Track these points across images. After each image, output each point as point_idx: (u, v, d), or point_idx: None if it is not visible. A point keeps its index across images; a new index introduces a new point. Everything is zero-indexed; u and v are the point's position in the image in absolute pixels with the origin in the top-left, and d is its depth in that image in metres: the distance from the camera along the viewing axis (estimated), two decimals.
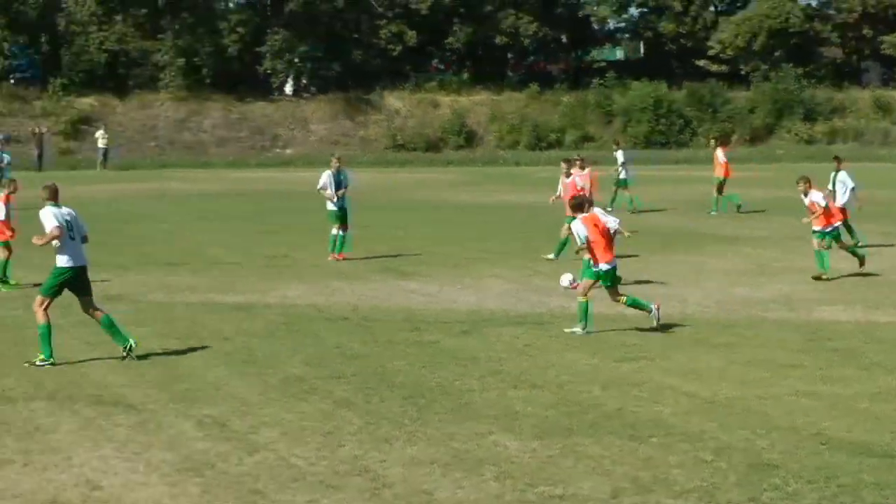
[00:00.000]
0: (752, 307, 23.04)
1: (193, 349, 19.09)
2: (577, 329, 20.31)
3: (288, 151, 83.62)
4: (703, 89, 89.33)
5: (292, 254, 31.12)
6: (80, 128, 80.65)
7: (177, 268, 28.54)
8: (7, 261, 26.01)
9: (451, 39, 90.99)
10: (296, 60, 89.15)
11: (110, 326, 18.37)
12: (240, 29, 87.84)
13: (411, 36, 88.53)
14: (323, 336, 20.17)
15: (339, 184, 30.66)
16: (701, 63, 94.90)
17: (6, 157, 46.86)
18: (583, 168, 31.72)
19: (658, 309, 20.66)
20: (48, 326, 18.05)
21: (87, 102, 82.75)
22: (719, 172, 43.34)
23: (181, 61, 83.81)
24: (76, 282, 18.37)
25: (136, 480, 12.46)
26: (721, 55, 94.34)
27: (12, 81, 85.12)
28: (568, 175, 30.86)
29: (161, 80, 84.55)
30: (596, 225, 20.51)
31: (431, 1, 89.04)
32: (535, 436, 14.02)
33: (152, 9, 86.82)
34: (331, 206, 30.64)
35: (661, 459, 13.11)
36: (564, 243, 27.84)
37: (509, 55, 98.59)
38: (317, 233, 35.07)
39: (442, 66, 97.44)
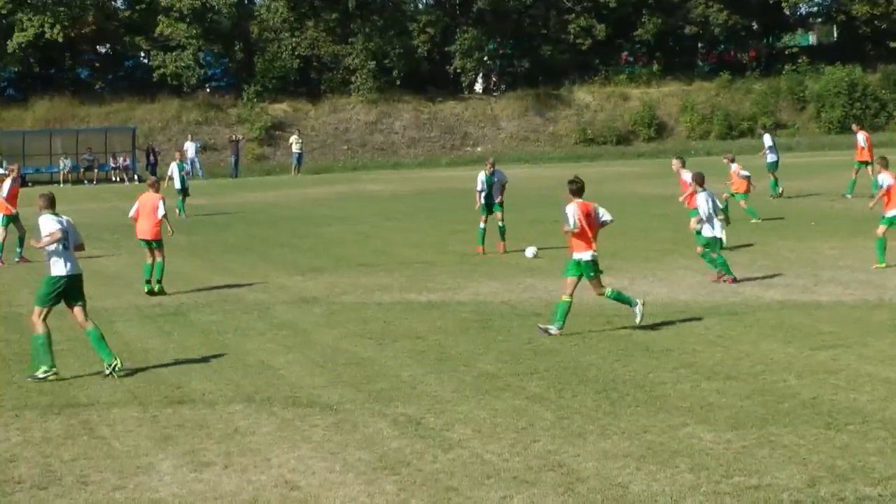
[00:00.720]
0: None
1: (388, 348, 19.29)
2: (552, 328, 19.68)
3: (478, 149, 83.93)
4: None
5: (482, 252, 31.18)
6: (273, 133, 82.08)
7: (370, 268, 28.85)
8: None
9: (640, 31, 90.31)
10: (485, 58, 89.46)
11: (98, 340, 18.17)
12: (429, 29, 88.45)
13: (600, 29, 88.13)
14: (515, 332, 20.21)
15: (490, 185, 31.43)
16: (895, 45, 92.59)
17: (187, 166, 47.69)
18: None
19: (642, 305, 19.95)
20: (47, 336, 18.01)
21: (280, 108, 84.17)
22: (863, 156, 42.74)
23: (372, 64, 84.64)
24: (71, 290, 18.47)
25: (333, 480, 12.63)
26: None
27: (208, 90, 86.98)
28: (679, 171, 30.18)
29: (352, 84, 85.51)
30: (588, 214, 19.87)
31: None
32: (730, 426, 13.88)
33: (343, 13, 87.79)
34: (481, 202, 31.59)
35: (859, 447, 12.87)
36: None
37: (699, 45, 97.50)
38: (508, 230, 35.14)
39: (631, 59, 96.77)
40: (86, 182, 71.42)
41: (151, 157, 73.33)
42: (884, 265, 25.62)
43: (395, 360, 18.43)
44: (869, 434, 13.31)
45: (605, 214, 20.27)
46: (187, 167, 47.66)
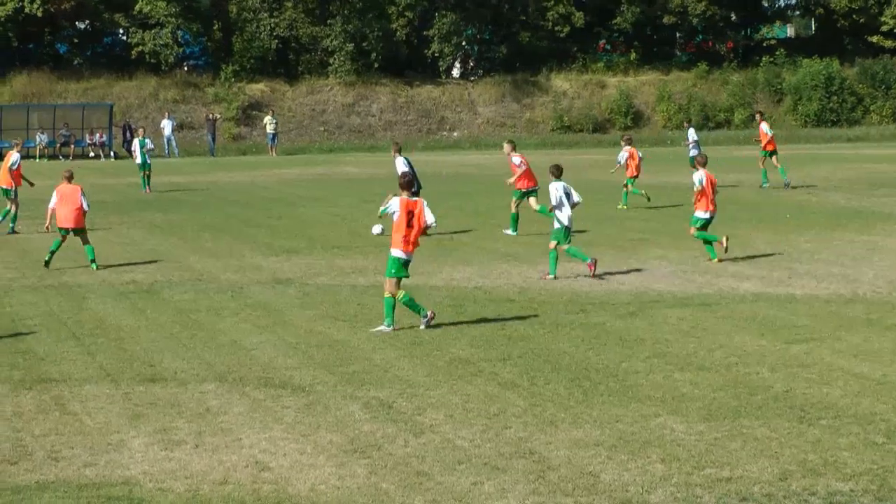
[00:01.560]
0: None
1: (361, 331, 19.27)
2: (382, 327, 19.40)
3: (455, 134, 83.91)
4: (877, 66, 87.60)
5: (458, 236, 31.19)
6: (250, 113, 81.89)
7: (345, 250, 28.82)
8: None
9: (618, 20, 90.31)
10: (463, 43, 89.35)
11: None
12: (407, 13, 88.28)
13: (579, 17, 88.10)
14: (489, 318, 20.22)
15: None
16: (874, 39, 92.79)
17: (149, 143, 48.02)
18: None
19: (431, 318, 19.45)
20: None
21: (257, 88, 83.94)
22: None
23: (350, 46, 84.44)
24: None
25: (304, 462, 12.63)
26: (895, 30, 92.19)
27: (185, 69, 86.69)
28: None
29: (330, 66, 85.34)
30: (411, 211, 19.43)
31: None
32: (702, 418, 13.91)
33: None
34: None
35: (831, 442, 12.92)
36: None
37: (677, 34, 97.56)
38: (482, 216, 35.23)
39: (609, 47, 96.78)
40: (61, 157, 71.12)
41: (128, 134, 73.03)
42: (716, 258, 26.09)
43: (367, 343, 18.43)
44: (841, 429, 13.35)
45: (429, 215, 19.69)
46: (149, 144, 47.83)
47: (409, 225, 19.40)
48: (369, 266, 26.18)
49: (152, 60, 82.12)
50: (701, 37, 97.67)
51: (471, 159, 64.91)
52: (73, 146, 72.30)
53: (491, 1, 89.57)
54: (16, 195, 33.68)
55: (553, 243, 24.26)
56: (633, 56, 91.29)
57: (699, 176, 26.75)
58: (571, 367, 16.57)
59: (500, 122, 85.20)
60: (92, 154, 72.44)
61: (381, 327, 19.36)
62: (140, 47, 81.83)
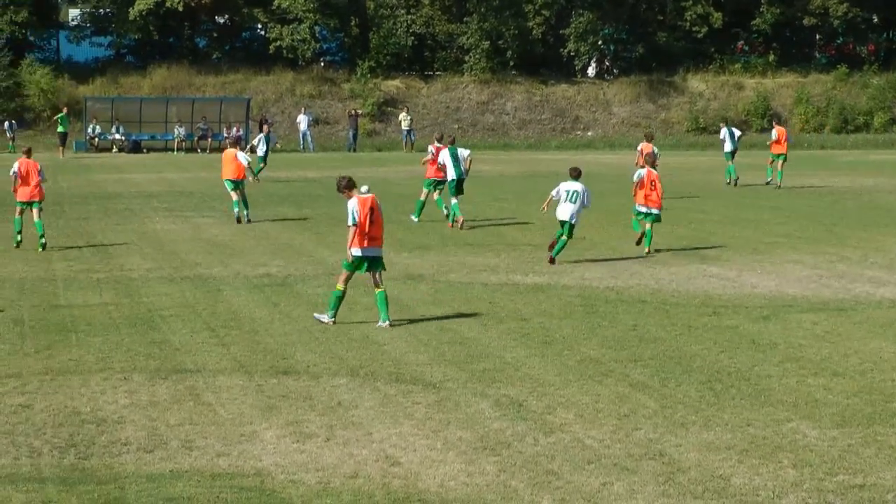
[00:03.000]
0: None
1: (492, 329, 19.30)
2: (324, 317, 19.61)
3: (589, 134, 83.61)
4: None
5: (590, 235, 31.07)
6: (385, 109, 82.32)
7: (477, 248, 28.86)
8: None
9: (757, 21, 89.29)
10: (599, 42, 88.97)
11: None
12: (544, 11, 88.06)
13: (717, 17, 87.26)
14: (620, 318, 20.14)
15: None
16: None
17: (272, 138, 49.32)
18: None
19: (327, 322, 19.55)
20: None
21: (393, 85, 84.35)
22: None
23: (486, 44, 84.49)
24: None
25: (434, 458, 12.68)
26: None
27: (322, 64, 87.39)
28: None
29: (465, 63, 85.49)
30: (373, 209, 20.01)
31: None
32: (835, 424, 13.73)
33: None
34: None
35: None
36: None
37: (817, 36, 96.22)
38: (616, 215, 35.04)
39: (747, 48, 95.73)
40: (199, 151, 72.14)
41: (265, 129, 73.89)
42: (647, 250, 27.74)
43: (498, 340, 18.45)
44: None
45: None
46: (273, 142, 49.26)
47: (367, 220, 19.82)
48: (501, 264, 26.21)
49: (289, 55, 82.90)
50: (841, 39, 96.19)
51: (604, 159, 64.60)
52: (210, 139, 73.25)
53: (628, 1, 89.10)
54: None
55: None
56: (771, 58, 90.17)
57: (638, 172, 29.00)
58: (703, 369, 16.45)
59: (635, 123, 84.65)
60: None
61: (323, 316, 19.74)
62: (278, 42, 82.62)
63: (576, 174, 27.27)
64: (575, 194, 26.77)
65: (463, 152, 34.82)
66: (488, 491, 11.66)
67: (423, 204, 34.59)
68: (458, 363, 16.88)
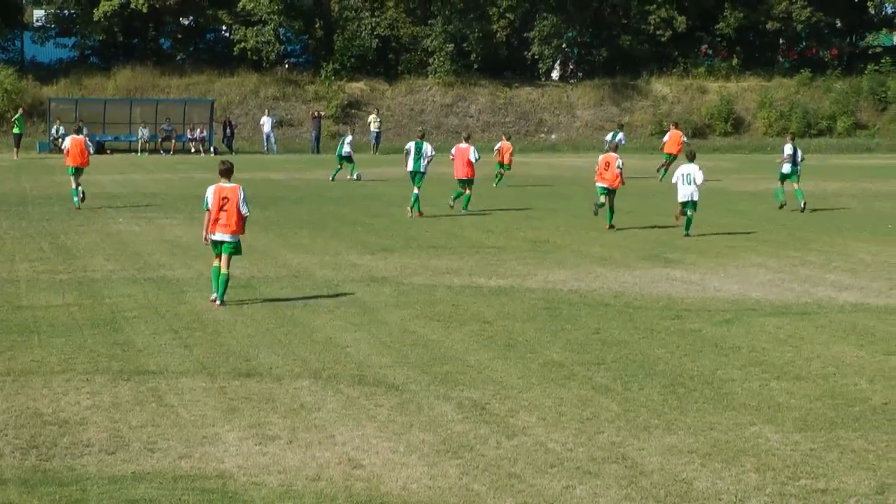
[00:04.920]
0: None
1: (455, 332, 19.29)
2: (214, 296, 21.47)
3: (553, 136, 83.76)
4: None
5: (555, 239, 31.14)
6: (349, 112, 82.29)
7: (440, 251, 28.85)
8: None
9: (721, 25, 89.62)
10: (563, 45, 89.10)
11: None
12: (508, 14, 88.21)
13: (681, 21, 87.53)
14: (584, 321, 20.16)
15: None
16: None
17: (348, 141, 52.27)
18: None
19: (214, 301, 21.31)
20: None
21: (357, 87, 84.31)
22: None
23: (450, 46, 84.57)
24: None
25: (397, 460, 12.66)
26: None
27: (286, 66, 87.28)
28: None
29: (430, 66, 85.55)
30: (225, 197, 21.28)
31: None
32: (798, 428, 13.78)
33: None
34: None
35: None
36: None
37: (781, 41, 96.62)
38: (581, 218, 35.14)
39: (711, 52, 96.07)
40: (163, 152, 71.95)
41: (228, 130, 73.80)
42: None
43: (462, 343, 18.44)
44: None
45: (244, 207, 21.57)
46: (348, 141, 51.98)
47: (223, 209, 21.24)
48: (464, 267, 26.20)
49: (254, 57, 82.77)
50: (805, 43, 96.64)
51: (568, 162, 64.73)
52: (174, 141, 73.08)
53: (592, 4, 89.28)
54: None
55: None
56: (734, 61, 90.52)
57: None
58: (666, 373, 16.48)
59: (599, 126, 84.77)
60: (193, 149, 73.12)
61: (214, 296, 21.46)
62: (242, 44, 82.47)
63: (691, 157, 32.75)
64: (689, 176, 31.47)
65: (427, 149, 37.40)
66: (451, 494, 11.65)
67: (469, 197, 37.85)
68: (421, 366, 16.87)
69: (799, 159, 39.86)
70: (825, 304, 21.91)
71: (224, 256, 21.25)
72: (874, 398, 15.09)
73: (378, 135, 74.76)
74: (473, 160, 37.48)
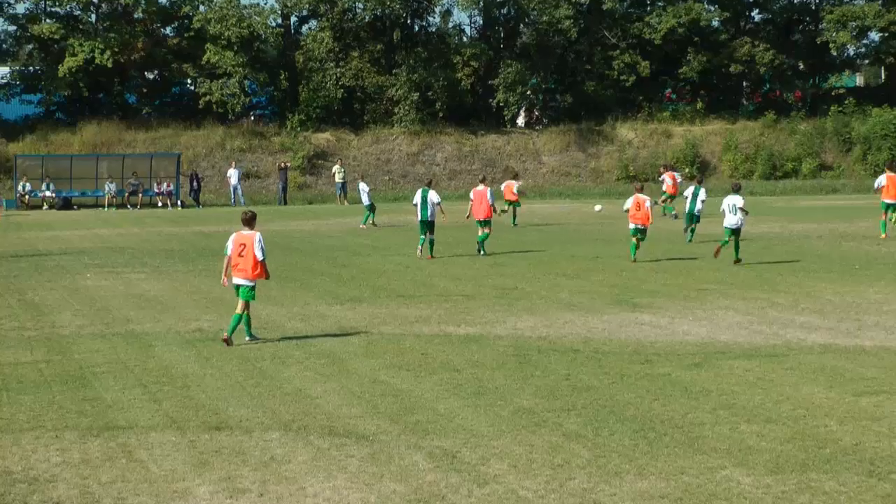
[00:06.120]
0: None
1: (425, 381, 19.26)
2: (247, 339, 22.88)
3: (520, 183, 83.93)
4: None
5: (523, 285, 31.17)
6: (316, 162, 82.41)
7: (409, 300, 28.85)
8: None
9: (684, 69, 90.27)
10: (528, 92, 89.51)
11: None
12: (473, 62, 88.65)
13: (644, 66, 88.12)
14: (553, 368, 20.15)
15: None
16: None
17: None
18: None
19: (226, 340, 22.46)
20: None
21: (323, 137, 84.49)
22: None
23: (415, 95, 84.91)
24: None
25: None
26: None
27: (252, 118, 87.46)
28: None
29: (395, 115, 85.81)
30: (242, 244, 22.51)
31: (665, 30, 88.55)
32: (769, 471, 13.77)
33: (387, 44, 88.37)
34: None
35: None
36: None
37: (744, 83, 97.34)
38: (547, 265, 35.22)
39: (675, 96, 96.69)
40: (130, 207, 71.88)
41: (195, 184, 73.78)
42: None
43: (431, 392, 18.41)
44: None
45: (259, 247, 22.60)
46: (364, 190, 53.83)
47: (241, 255, 22.52)
48: (433, 315, 26.20)
49: (219, 110, 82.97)
50: (768, 86, 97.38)
51: (535, 208, 64.88)
52: (141, 195, 73.03)
53: (556, 50, 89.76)
54: None
55: None
56: (699, 105, 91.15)
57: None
58: (636, 418, 16.48)
59: (565, 172, 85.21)
60: (160, 203, 73.11)
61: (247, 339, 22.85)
62: (207, 97, 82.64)
63: (736, 188, 36.81)
64: (734, 206, 35.36)
65: (433, 197, 39.18)
66: None
67: (487, 235, 40.11)
68: (391, 415, 16.83)
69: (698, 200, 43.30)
70: (794, 345, 21.96)
71: (241, 302, 22.68)
72: (845, 439, 15.11)
73: (344, 185, 74.83)
74: (491, 202, 40.20)
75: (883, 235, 43.17)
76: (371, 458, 14.66)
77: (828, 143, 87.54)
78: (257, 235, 22.60)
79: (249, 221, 22.75)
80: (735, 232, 35.56)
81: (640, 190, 37.94)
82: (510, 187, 55.22)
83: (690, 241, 42.79)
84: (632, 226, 36.84)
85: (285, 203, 73.52)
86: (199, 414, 17.02)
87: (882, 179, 44.26)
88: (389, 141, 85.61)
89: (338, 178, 75.14)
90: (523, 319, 25.56)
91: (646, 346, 22.00)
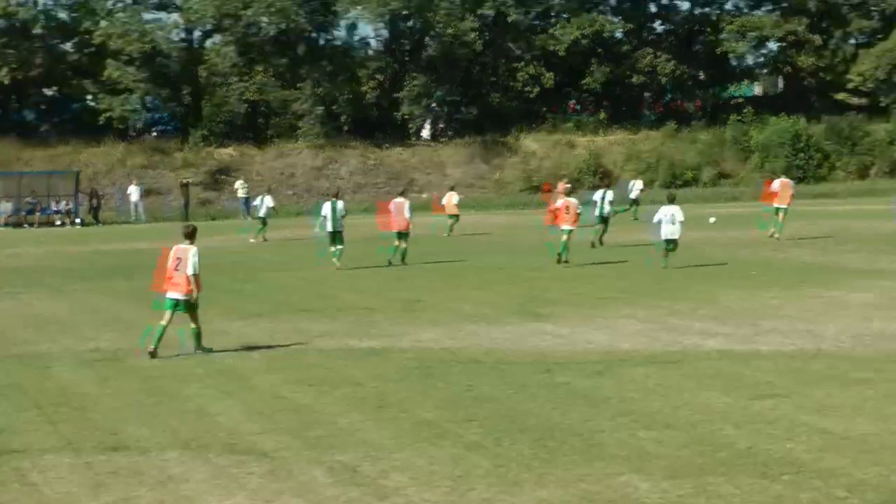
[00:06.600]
0: (889, 341, 22.64)
1: (326, 395, 19.17)
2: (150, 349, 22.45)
3: (424, 196, 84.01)
4: (842, 123, 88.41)
5: (426, 298, 31.16)
6: (219, 178, 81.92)
7: (311, 314, 28.74)
8: None
9: (588, 80, 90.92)
10: (433, 105, 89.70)
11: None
12: (378, 76, 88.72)
13: (548, 77, 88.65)
14: (455, 379, 20.14)
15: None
16: (840, 96, 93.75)
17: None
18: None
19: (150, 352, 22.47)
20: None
21: (226, 153, 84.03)
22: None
23: (320, 109, 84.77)
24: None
25: None
26: (860, 88, 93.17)
27: (154, 134, 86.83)
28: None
29: (300, 129, 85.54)
30: (179, 258, 22.66)
31: (569, 42, 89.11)
32: (667, 476, 13.84)
33: (292, 58, 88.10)
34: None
35: (793, 498, 12.87)
36: None
37: (646, 94, 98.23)
38: (452, 277, 35.24)
39: (579, 107, 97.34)
40: (27, 226, 70.99)
41: (94, 201, 73.05)
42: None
43: (333, 406, 18.32)
44: (803, 484, 13.30)
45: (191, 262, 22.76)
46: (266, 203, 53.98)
47: (176, 269, 22.63)
48: (336, 329, 26.11)
49: (120, 126, 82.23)
50: (669, 96, 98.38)
51: (440, 221, 64.89)
52: (38, 214, 72.18)
53: (461, 63, 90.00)
54: None
55: None
56: (602, 116, 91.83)
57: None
58: (537, 427, 16.49)
59: (470, 184, 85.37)
60: (58, 222, 72.29)
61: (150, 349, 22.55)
62: (108, 113, 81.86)
63: (671, 199, 37.80)
64: (673, 216, 36.16)
65: (340, 205, 40.00)
66: None
67: (406, 250, 40.53)
68: (291, 431, 16.71)
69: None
70: (692, 352, 22.12)
71: (168, 313, 22.81)
72: (740, 443, 15.23)
73: (247, 200, 74.39)
74: (408, 215, 40.34)
75: (773, 231, 44.44)
76: (271, 474, 14.55)
77: (727, 151, 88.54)
78: (192, 250, 22.72)
79: (190, 235, 22.95)
80: (673, 243, 36.41)
81: (568, 194, 40.18)
82: (451, 199, 56.16)
83: (597, 245, 43.70)
84: (563, 227, 38.36)
85: (187, 219, 72.95)
86: (95, 435, 16.79)
87: (776, 184, 46.84)
88: (293, 155, 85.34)
89: (241, 194, 74.68)
90: (427, 331, 25.54)
91: (547, 356, 22.06)
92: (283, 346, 24.21)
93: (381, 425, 16.95)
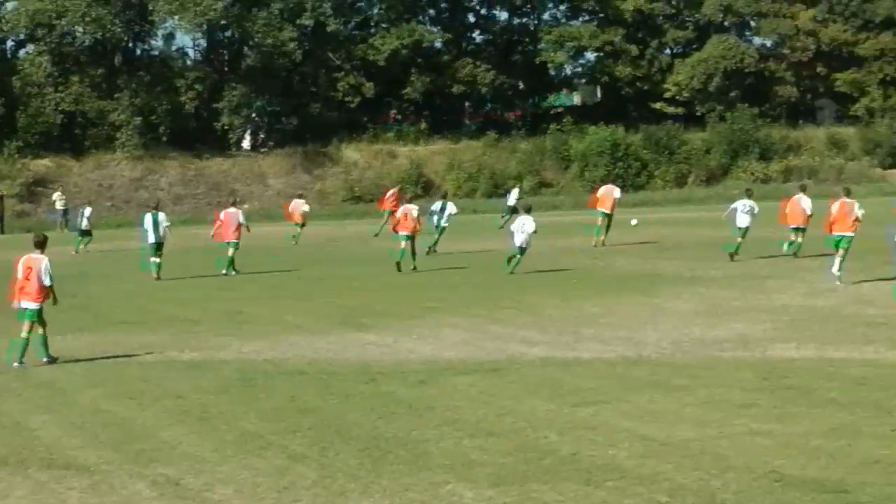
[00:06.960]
0: (708, 347, 23.11)
1: (148, 408, 18.95)
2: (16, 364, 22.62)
3: (245, 206, 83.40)
4: (660, 132, 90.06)
5: (249, 309, 30.99)
6: (35, 190, 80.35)
7: (133, 326, 28.39)
8: None
9: (408, 90, 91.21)
10: (253, 115, 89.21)
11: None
12: (197, 86, 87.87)
13: (369, 87, 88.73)
14: (279, 390, 20.05)
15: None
16: (657, 106, 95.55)
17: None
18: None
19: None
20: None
21: (42, 164, 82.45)
22: None
23: (138, 120, 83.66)
24: None
25: None
26: (677, 97, 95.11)
27: None
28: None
29: (117, 140, 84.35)
30: (29, 267, 22.88)
31: (389, 52, 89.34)
32: (492, 484, 13.94)
33: (108, 68, 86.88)
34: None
35: (616, 503, 13.06)
36: None
37: (467, 104, 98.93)
38: (274, 288, 35.09)
39: (400, 117, 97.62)
40: None
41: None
42: None
43: (155, 419, 18.11)
44: (626, 490, 13.50)
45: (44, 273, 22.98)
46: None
47: (27, 279, 22.85)
48: (157, 341, 25.82)
49: None
50: (490, 106, 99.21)
51: (262, 231, 64.50)
52: None
53: (281, 73, 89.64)
54: None
55: None
56: (423, 125, 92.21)
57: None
58: (361, 437, 16.50)
59: (291, 194, 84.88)
60: None
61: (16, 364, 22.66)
62: None
63: (526, 209, 39.01)
64: (524, 225, 37.44)
65: (162, 217, 40.20)
66: None
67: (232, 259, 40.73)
68: (113, 445, 16.48)
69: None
70: (516, 359, 22.33)
71: (27, 323, 22.95)
72: (563, 449, 15.41)
73: (65, 212, 73.09)
74: (242, 222, 41.18)
75: (600, 239, 45.33)
76: (92, 489, 14.33)
77: (547, 160, 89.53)
78: (45, 261, 22.99)
79: (41, 245, 23.23)
80: (523, 251, 37.53)
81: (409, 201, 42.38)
82: (298, 207, 56.22)
83: (431, 252, 43.89)
84: (401, 233, 39.71)
85: (3, 232, 71.40)
86: None
87: (601, 190, 49.31)
88: (112, 167, 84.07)
89: (58, 206, 73.36)
90: (249, 343, 25.40)
91: (371, 366, 22.08)
92: (103, 358, 23.89)
93: (204, 437, 16.81)
